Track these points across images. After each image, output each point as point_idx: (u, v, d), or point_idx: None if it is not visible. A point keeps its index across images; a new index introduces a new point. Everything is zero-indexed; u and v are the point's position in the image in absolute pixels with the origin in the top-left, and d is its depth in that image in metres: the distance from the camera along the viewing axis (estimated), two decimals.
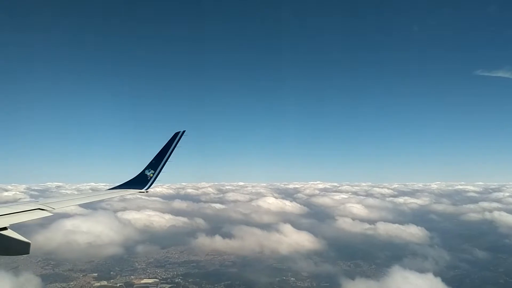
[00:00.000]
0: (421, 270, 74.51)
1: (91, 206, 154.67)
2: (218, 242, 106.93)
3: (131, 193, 16.25)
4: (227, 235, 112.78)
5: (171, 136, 16.64)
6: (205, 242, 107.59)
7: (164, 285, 75.24)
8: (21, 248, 7.66)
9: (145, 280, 78.12)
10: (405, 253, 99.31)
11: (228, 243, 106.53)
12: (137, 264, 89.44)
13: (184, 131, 16.56)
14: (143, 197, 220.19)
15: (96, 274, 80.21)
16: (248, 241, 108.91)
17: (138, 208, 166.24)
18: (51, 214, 9.91)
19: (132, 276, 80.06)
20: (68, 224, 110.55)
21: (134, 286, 75.00)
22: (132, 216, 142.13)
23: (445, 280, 68.48)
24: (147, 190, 16.29)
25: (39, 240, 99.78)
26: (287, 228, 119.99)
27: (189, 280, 77.79)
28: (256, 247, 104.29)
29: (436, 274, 70.25)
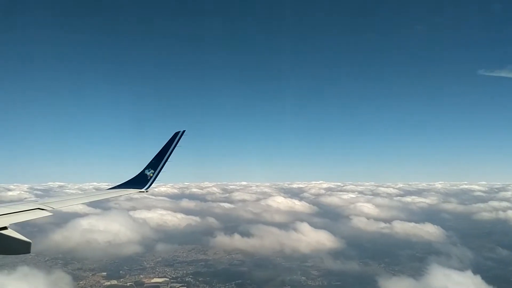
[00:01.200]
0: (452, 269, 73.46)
1: (103, 206, 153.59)
2: (237, 241, 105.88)
3: (130, 193, 15.99)
4: (245, 234, 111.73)
5: (171, 136, 16.52)
6: (224, 241, 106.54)
7: (174, 284, 74.20)
8: (22, 247, 7.63)
9: (155, 279, 77.14)
10: (428, 252, 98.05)
11: (247, 242, 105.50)
12: (145, 263, 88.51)
13: (184, 131, 16.43)
14: (150, 196, 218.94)
15: (105, 273, 79.25)
16: (267, 240, 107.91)
17: (147, 208, 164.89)
18: (51, 214, 9.86)
19: (141, 275, 79.19)
20: (83, 223, 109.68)
21: (145, 285, 74.04)
22: (144, 215, 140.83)
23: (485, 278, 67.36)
24: (147, 190, 16.16)
25: (56, 240, 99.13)
26: (305, 227, 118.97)
27: (200, 279, 76.79)
28: (276, 246, 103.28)
29: (474, 272, 69.16)
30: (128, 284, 73.96)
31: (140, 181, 16.31)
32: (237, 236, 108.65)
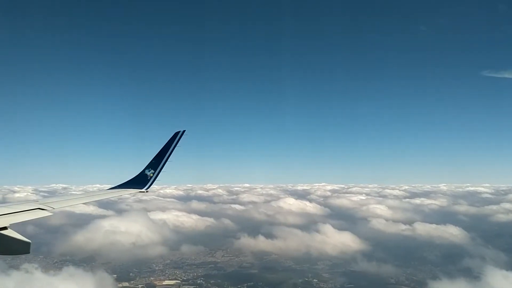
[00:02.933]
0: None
1: (116, 208, 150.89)
2: (262, 243, 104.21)
3: (131, 193, 16.16)
4: (268, 236, 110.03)
5: (171, 136, 16.54)
6: (249, 242, 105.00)
7: (186, 287, 73.28)
8: (22, 247, 7.52)
9: (166, 282, 76.10)
10: (460, 254, 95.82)
11: (273, 244, 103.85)
12: (154, 265, 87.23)
13: (184, 131, 16.48)
14: (159, 198, 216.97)
15: (116, 275, 77.58)
16: (292, 241, 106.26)
17: (159, 209, 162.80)
18: (51, 214, 9.90)
19: (151, 278, 78.16)
20: (104, 224, 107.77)
21: (156, 287, 73.16)
22: (160, 216, 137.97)
23: None
24: (147, 190, 16.33)
25: (65, 242, 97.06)
26: (328, 228, 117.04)
27: (211, 282, 75.58)
28: (302, 247, 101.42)
29: None
30: (140, 286, 73.11)
31: (140, 181, 16.39)
32: (261, 238, 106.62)
